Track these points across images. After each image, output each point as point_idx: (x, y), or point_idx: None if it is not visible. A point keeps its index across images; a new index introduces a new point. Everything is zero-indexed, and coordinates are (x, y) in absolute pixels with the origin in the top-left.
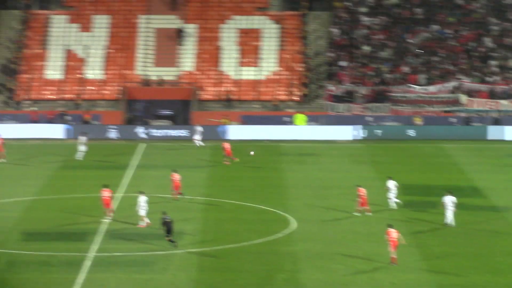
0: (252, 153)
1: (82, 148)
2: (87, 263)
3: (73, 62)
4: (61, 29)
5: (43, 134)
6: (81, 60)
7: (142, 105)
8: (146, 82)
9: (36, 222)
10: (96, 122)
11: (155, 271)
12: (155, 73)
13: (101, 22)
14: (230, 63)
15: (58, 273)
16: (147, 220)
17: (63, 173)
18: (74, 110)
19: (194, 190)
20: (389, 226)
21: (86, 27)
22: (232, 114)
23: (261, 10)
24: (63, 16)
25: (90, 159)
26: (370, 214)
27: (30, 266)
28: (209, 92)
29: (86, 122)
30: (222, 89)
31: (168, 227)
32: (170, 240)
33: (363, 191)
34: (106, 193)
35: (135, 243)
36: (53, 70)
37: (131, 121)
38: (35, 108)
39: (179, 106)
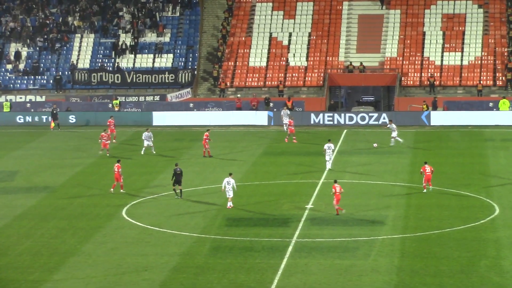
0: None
1: (394, 134)
2: (289, 249)
3: (277, 49)
4: (265, 16)
5: (247, 121)
6: (285, 47)
7: (345, 92)
8: (349, 69)
9: (239, 208)
10: (299, 109)
11: (357, 257)
12: (357, 59)
13: (305, 9)
14: (434, 48)
15: (261, 258)
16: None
17: (266, 159)
18: (277, 97)
19: (396, 176)
20: None
21: (289, 14)
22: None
23: None
24: (268, 4)
25: (292, 145)
26: None
27: (234, 251)
28: (412, 78)
29: (289, 109)
30: (426, 75)
31: (176, 178)
32: (174, 190)
33: None
34: (116, 168)
35: (336, 229)
36: (257, 57)
37: (333, 108)
38: (239, 95)
39: (382, 92)
